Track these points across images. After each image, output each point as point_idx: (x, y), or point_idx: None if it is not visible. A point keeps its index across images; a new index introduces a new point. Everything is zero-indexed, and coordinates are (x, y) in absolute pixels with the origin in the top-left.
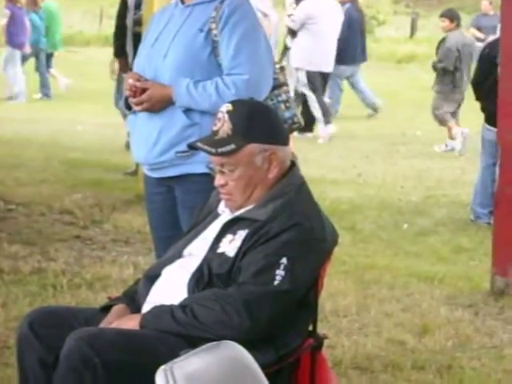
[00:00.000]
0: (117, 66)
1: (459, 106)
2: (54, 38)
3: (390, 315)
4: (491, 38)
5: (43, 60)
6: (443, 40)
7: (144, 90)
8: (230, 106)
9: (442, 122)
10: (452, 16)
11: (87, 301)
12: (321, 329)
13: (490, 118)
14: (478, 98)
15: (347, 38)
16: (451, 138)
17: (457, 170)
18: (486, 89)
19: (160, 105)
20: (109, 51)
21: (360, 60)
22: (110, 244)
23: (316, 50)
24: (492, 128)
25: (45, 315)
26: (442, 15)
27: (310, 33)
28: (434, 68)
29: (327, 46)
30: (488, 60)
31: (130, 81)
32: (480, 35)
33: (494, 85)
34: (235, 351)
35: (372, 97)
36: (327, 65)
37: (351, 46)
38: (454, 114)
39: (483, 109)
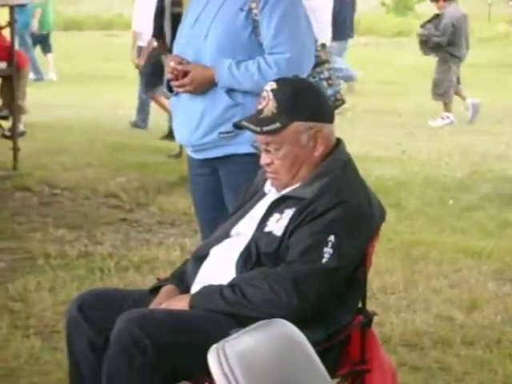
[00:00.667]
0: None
1: (458, 78)
2: (46, 18)
3: (438, 291)
4: None
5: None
6: (437, 16)
7: (186, 73)
8: (274, 85)
9: (444, 95)
10: None
11: (135, 283)
12: (369, 306)
13: None
14: None
15: (339, 13)
16: (447, 110)
17: (502, 145)
18: None
19: (202, 86)
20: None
21: (349, 36)
22: (156, 226)
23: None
24: None
25: (94, 298)
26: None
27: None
28: (423, 41)
29: (324, 21)
30: None
31: (172, 64)
32: None
33: None
34: (286, 329)
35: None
36: (326, 41)
37: (343, 21)
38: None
39: None
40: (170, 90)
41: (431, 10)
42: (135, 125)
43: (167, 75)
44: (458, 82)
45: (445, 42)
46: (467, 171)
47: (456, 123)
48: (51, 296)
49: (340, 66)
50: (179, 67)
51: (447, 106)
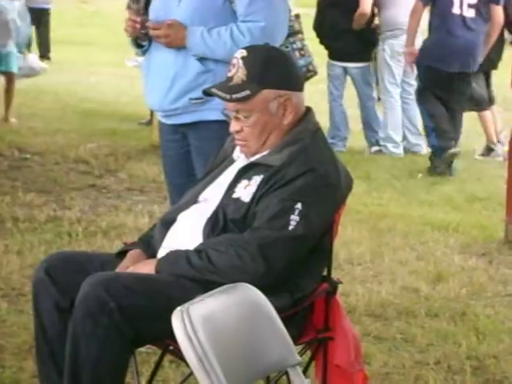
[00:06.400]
0: None
1: None
2: None
3: (404, 263)
4: None
5: None
6: None
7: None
8: (244, 52)
9: None
10: None
11: (103, 248)
12: (335, 276)
13: None
14: None
15: None
16: None
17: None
18: None
19: (176, 43)
20: (121, 1)
21: None
22: (125, 193)
23: None
24: None
25: (61, 260)
26: None
27: None
28: None
29: None
30: None
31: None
32: None
33: None
34: (251, 293)
35: None
36: None
37: None
38: None
39: None
40: (138, 45)
41: None
42: None
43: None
44: None
45: None
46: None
47: None
48: (18, 259)
49: None
50: (151, 24)
51: None
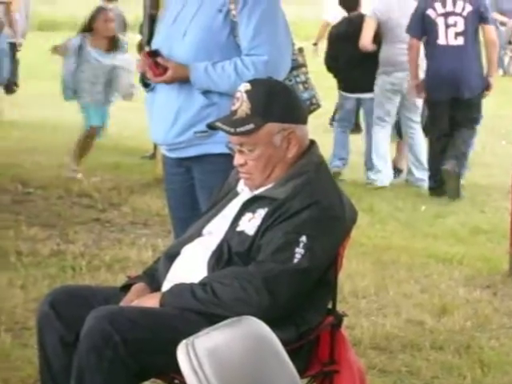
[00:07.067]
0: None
1: None
2: None
3: (409, 296)
4: None
5: None
6: None
7: (165, 69)
8: (248, 86)
9: None
10: None
11: (106, 282)
12: (340, 309)
13: None
14: None
15: None
16: None
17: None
18: None
19: (182, 79)
20: (127, 36)
21: None
22: (129, 226)
23: None
24: None
25: (65, 294)
26: None
27: None
28: None
29: None
30: None
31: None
32: (504, 19)
33: None
34: (256, 326)
35: None
36: None
37: None
38: None
39: None
40: (145, 85)
41: None
42: None
43: (142, 69)
44: None
45: None
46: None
47: None
48: (22, 293)
49: None
50: (160, 60)
51: None
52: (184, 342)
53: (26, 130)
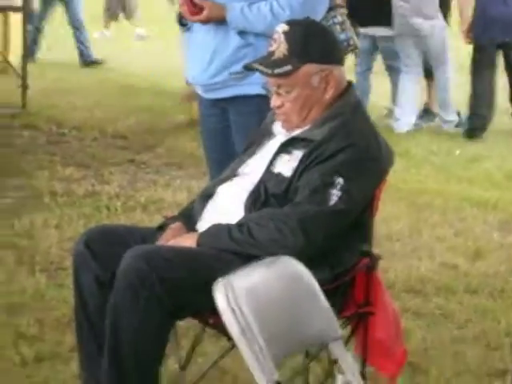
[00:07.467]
0: None
1: None
2: None
3: (443, 239)
4: None
5: None
6: None
7: (201, 9)
8: (285, 27)
9: None
10: None
11: (141, 223)
12: (374, 252)
13: None
14: None
15: None
16: None
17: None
18: None
19: (218, 19)
20: None
21: None
22: (164, 168)
23: None
24: None
25: (101, 234)
26: None
27: None
28: None
29: None
30: None
31: None
32: None
33: None
34: (293, 266)
35: None
36: None
37: None
38: None
39: None
40: (182, 23)
41: None
42: None
43: (180, 8)
44: None
45: None
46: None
47: None
48: (57, 233)
49: None
50: (196, 0)
51: None
52: (221, 280)
53: (61, 70)
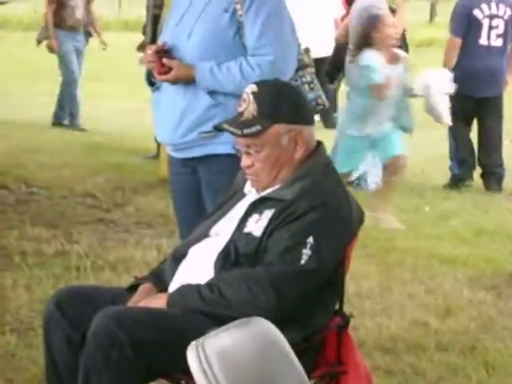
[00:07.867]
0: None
1: None
2: None
3: (413, 297)
4: None
5: None
6: None
7: (170, 69)
8: (254, 87)
9: None
10: None
11: (110, 282)
12: (345, 310)
13: None
14: None
15: None
16: None
17: None
18: None
19: (187, 79)
20: (128, 36)
21: None
22: (133, 227)
23: None
24: None
25: (72, 294)
26: None
27: None
28: None
29: None
30: None
31: (150, 52)
32: None
33: None
34: (265, 327)
35: None
36: None
37: None
38: None
39: None
40: (151, 84)
41: (412, 18)
42: None
43: (148, 65)
44: None
45: None
46: (445, 179)
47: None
48: (27, 293)
49: None
50: (165, 60)
51: None
52: (194, 342)
53: (30, 129)
